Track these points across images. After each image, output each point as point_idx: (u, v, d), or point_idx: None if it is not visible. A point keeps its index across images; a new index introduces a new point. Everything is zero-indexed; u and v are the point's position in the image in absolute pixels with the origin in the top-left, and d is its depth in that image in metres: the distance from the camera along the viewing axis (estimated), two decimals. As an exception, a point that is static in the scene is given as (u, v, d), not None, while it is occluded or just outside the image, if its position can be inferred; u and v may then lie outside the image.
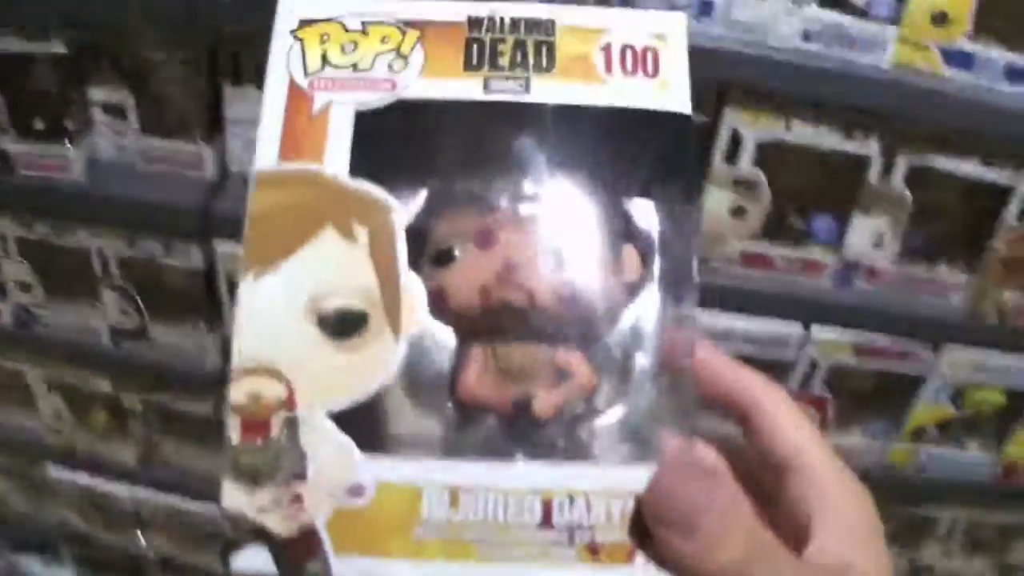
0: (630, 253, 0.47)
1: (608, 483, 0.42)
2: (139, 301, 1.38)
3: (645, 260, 0.47)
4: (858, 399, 1.38)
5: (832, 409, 1.36)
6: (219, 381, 1.34)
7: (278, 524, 0.41)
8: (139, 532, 1.76)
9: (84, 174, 1.28)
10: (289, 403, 0.42)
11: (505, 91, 0.47)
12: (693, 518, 0.39)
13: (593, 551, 0.42)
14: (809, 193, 1.22)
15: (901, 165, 1.16)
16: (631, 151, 0.47)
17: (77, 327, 1.44)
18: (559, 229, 0.46)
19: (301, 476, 0.42)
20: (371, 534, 0.42)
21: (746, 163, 1.17)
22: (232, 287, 1.26)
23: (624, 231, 0.47)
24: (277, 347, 0.43)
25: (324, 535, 0.41)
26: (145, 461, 1.63)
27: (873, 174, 1.17)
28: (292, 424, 0.42)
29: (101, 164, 1.29)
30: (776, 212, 1.22)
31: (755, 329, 1.28)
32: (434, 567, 0.41)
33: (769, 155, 1.17)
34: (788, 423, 0.46)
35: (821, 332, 1.30)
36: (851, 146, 1.15)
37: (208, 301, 1.36)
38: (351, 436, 0.42)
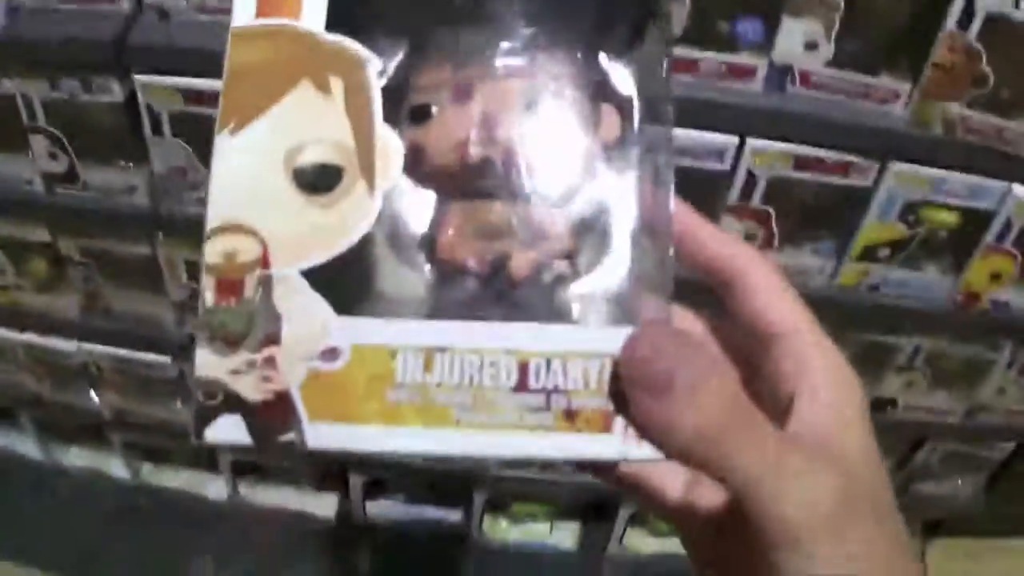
0: (608, 112, 0.45)
1: (585, 345, 0.41)
2: (65, 142, 1.36)
3: (622, 120, 0.45)
4: (803, 215, 1.34)
5: (776, 225, 1.33)
6: (152, 219, 1.33)
7: (252, 389, 0.40)
8: (90, 389, 1.76)
9: (4, 19, 1.27)
10: (264, 261, 0.41)
11: None
12: (668, 377, 0.38)
13: (570, 417, 0.40)
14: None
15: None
16: (609, 7, 0.46)
17: (10, 176, 1.44)
18: (537, 84, 0.45)
19: (275, 339, 0.41)
20: (346, 399, 0.41)
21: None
22: (154, 119, 1.27)
23: (602, 89, 0.45)
24: (252, 204, 0.42)
25: (298, 401, 0.40)
26: (88, 310, 1.64)
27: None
28: (267, 283, 0.41)
29: (23, 8, 1.28)
30: (700, 16, 1.17)
31: (689, 140, 1.25)
32: (410, 432, 0.40)
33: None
34: (774, 294, 0.44)
35: (757, 143, 1.26)
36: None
37: (132, 137, 1.35)
38: (325, 296, 0.42)
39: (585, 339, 0.41)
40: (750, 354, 0.45)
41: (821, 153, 1.25)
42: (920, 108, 1.19)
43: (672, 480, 0.47)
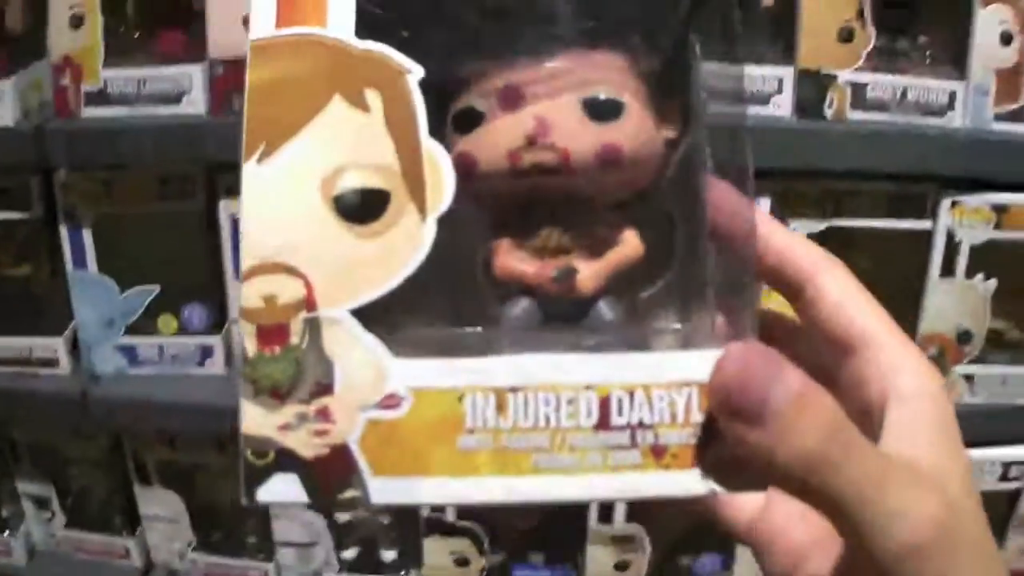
0: (670, 107, 0.43)
1: (669, 374, 0.37)
2: None
3: (686, 115, 0.43)
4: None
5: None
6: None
7: (305, 445, 0.37)
8: None
9: (24, 559, 1.44)
10: (308, 303, 0.38)
11: None
12: (762, 403, 0.35)
13: (658, 453, 0.37)
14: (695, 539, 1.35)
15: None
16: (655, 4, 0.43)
17: None
18: (591, 82, 0.41)
19: (327, 388, 0.37)
20: (411, 450, 0.37)
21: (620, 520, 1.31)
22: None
23: (663, 84, 0.43)
24: (290, 239, 0.38)
25: (358, 454, 0.37)
26: None
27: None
28: (314, 326, 0.37)
29: (38, 552, 1.47)
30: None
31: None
32: (484, 482, 0.37)
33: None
34: (852, 300, 0.42)
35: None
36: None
37: None
38: (380, 337, 0.37)
39: (669, 367, 0.38)
40: (824, 364, 0.42)
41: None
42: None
43: (744, 503, 0.45)
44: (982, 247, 1.17)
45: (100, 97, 1.12)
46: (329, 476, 0.37)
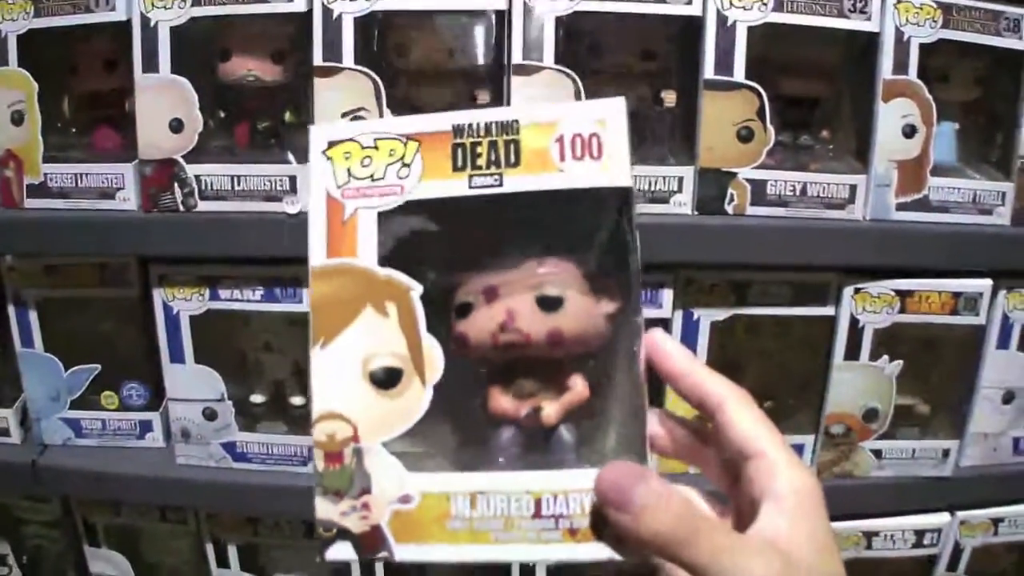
0: (609, 287, 0.61)
1: (578, 483, 0.57)
2: None
3: (621, 293, 0.61)
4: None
5: None
6: None
7: (355, 524, 0.59)
8: None
9: None
10: (355, 438, 0.59)
11: (484, 186, 0.61)
12: (627, 498, 0.53)
13: (572, 533, 0.57)
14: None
15: None
16: (589, 219, 0.61)
17: None
18: (542, 283, 0.61)
19: (368, 490, 0.59)
20: (418, 528, 0.59)
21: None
22: None
23: (600, 272, 0.61)
24: (342, 398, 0.60)
25: (387, 530, 0.59)
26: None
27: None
28: (359, 453, 0.59)
29: None
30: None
31: None
32: (463, 549, 0.58)
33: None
34: (748, 420, 0.57)
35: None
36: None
37: None
38: (400, 460, 0.59)
39: (578, 479, 0.57)
40: (732, 463, 0.58)
41: None
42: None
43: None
44: (887, 329, 1.26)
45: (41, 190, 1.22)
46: (370, 543, 0.59)
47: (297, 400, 1.37)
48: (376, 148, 0.63)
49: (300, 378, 1.37)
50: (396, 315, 0.61)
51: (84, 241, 1.24)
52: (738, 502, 0.58)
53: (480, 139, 0.62)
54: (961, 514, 1.41)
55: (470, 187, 0.61)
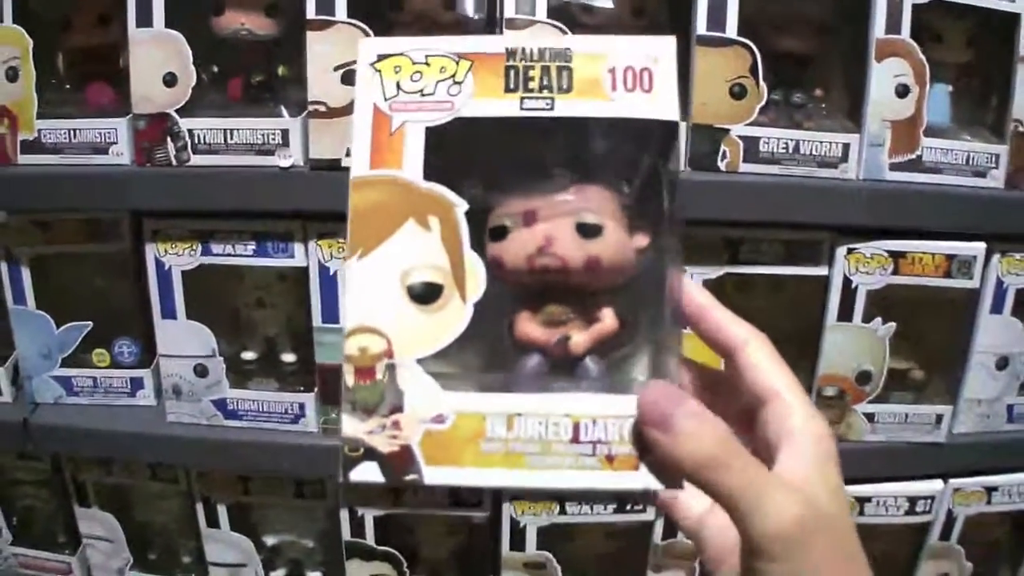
0: (642, 224, 0.62)
1: (619, 409, 0.56)
2: None
3: (653, 230, 0.62)
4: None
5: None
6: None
7: (383, 444, 0.57)
8: None
9: None
10: (388, 353, 0.58)
11: (536, 108, 0.62)
12: (668, 416, 0.53)
13: (610, 460, 0.56)
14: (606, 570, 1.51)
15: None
16: (633, 151, 0.62)
17: None
18: (582, 210, 0.61)
19: (399, 408, 0.58)
20: (451, 450, 0.57)
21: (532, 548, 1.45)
22: None
23: (632, 211, 0.62)
24: (377, 312, 0.59)
25: (417, 451, 0.57)
26: None
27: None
28: (391, 369, 0.58)
29: None
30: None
31: None
32: (496, 473, 0.57)
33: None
34: (768, 363, 0.58)
35: None
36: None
37: None
38: (435, 378, 0.58)
39: (620, 404, 0.56)
40: (748, 408, 0.59)
41: None
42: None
43: (690, 507, 0.65)
44: (880, 291, 1.28)
45: (35, 145, 1.25)
46: (398, 465, 0.57)
47: (289, 357, 1.39)
48: (427, 64, 0.63)
49: (292, 335, 1.39)
50: (439, 230, 0.61)
51: (77, 196, 1.27)
52: (754, 446, 0.57)
53: (533, 63, 0.63)
54: (954, 482, 1.42)
55: (521, 108, 0.62)
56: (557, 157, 0.63)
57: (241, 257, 1.28)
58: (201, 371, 1.34)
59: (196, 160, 1.22)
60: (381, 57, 0.64)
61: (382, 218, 0.61)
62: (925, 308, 1.35)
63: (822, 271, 1.29)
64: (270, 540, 1.54)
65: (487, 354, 0.62)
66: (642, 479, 0.56)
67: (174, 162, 1.22)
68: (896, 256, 1.27)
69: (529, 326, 0.61)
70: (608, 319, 0.61)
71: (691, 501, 0.65)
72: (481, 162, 0.63)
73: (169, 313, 1.32)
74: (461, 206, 0.61)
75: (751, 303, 1.34)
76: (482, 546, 1.49)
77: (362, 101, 0.63)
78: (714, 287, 1.27)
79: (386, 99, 0.63)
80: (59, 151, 1.25)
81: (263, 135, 1.21)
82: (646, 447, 0.55)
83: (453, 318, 0.59)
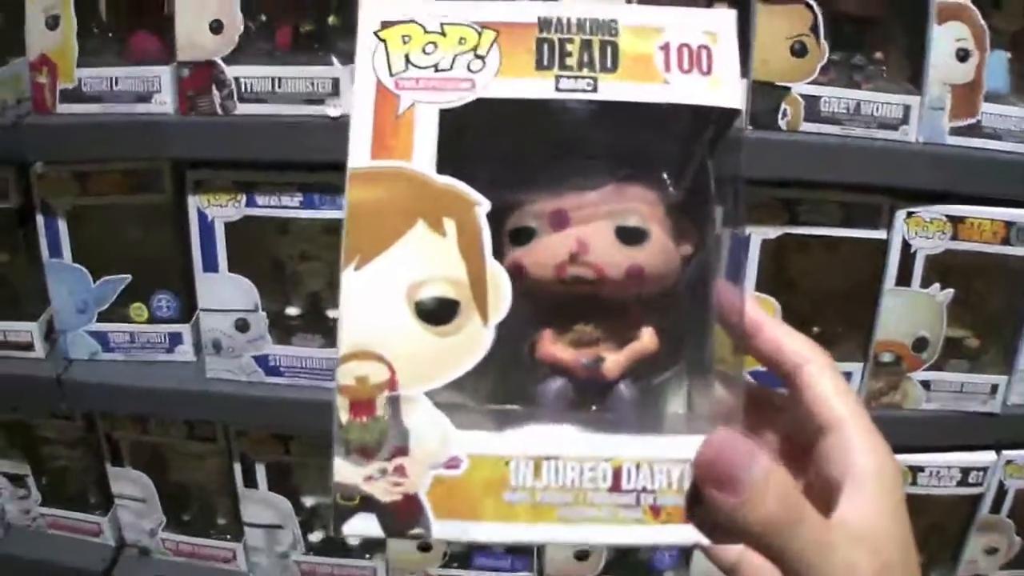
0: (688, 228, 0.56)
1: (668, 452, 0.50)
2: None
3: (700, 235, 0.56)
4: None
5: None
6: None
7: (384, 493, 0.49)
8: None
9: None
10: (391, 384, 0.49)
11: (574, 90, 0.53)
12: (736, 477, 0.47)
13: (655, 512, 0.50)
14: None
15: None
16: (687, 141, 0.56)
17: None
18: (623, 212, 0.54)
19: (404, 450, 0.49)
20: (466, 500, 0.49)
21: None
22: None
23: (683, 210, 0.56)
24: (379, 333, 0.50)
25: (425, 501, 0.49)
26: None
27: None
28: (395, 403, 0.49)
29: (13, 528, 1.64)
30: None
31: None
32: (521, 528, 0.49)
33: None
34: (831, 388, 0.53)
35: None
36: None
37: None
38: (446, 413, 0.50)
39: (668, 447, 0.50)
40: (805, 436, 0.54)
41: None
42: None
43: (727, 548, 0.59)
44: (939, 257, 1.28)
45: (75, 94, 1.24)
46: (401, 517, 0.49)
47: (334, 313, 1.37)
48: (443, 34, 0.54)
49: (338, 290, 1.37)
50: (455, 235, 0.52)
51: (118, 146, 1.27)
52: (808, 480, 0.54)
53: (571, 36, 0.54)
54: (1007, 453, 1.42)
55: (556, 89, 0.53)
56: (597, 149, 0.56)
57: (287, 209, 1.28)
58: (242, 326, 1.33)
59: (242, 109, 1.22)
60: (386, 24, 0.55)
61: (386, 218, 0.52)
62: (982, 276, 1.35)
63: (881, 235, 1.28)
64: (309, 501, 1.54)
65: (502, 380, 0.54)
66: (692, 535, 0.50)
67: (219, 111, 1.22)
68: (955, 221, 1.26)
69: (555, 346, 0.55)
70: (647, 338, 0.55)
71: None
72: (504, 152, 0.54)
73: (211, 266, 1.31)
74: (483, 206, 0.52)
75: (809, 266, 1.34)
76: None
77: (363, 77, 0.54)
78: (772, 248, 1.28)
79: (392, 75, 0.54)
80: (100, 100, 1.25)
81: (312, 84, 1.20)
82: (699, 499, 0.49)
83: (471, 342, 0.51)
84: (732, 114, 0.54)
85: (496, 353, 0.51)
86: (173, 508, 1.56)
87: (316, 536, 1.54)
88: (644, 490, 0.50)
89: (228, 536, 1.56)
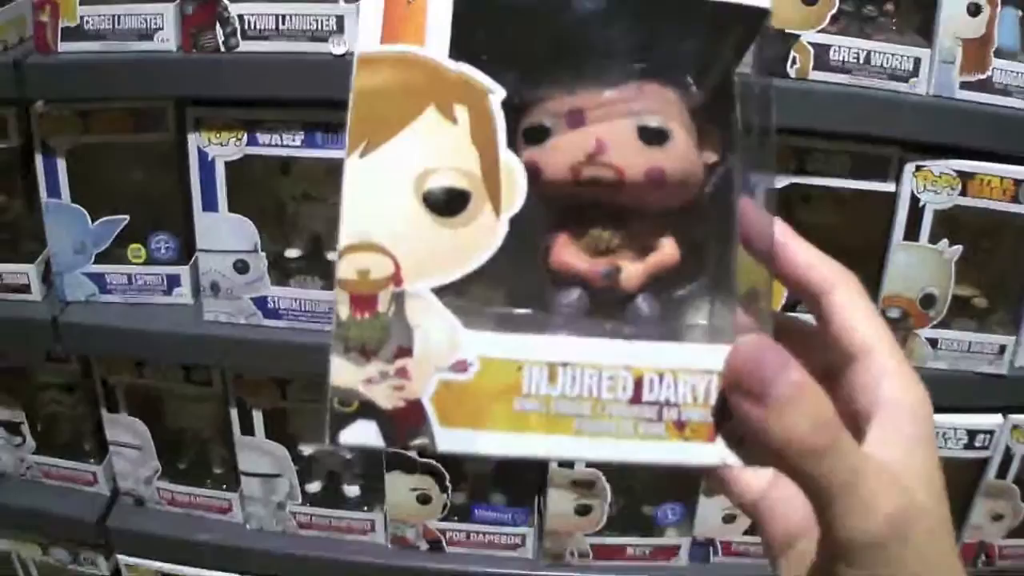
0: (711, 134, 0.52)
1: (694, 362, 0.47)
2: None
3: (725, 142, 0.52)
4: None
5: None
6: None
7: (385, 397, 0.45)
8: None
9: None
10: (396, 279, 0.46)
11: None
12: (765, 385, 0.44)
13: (679, 427, 0.46)
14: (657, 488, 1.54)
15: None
16: (713, 41, 0.52)
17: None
18: (644, 111, 0.50)
19: (408, 351, 0.46)
20: (475, 407, 0.46)
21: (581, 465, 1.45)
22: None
23: (706, 114, 0.52)
24: (383, 224, 0.47)
25: (429, 408, 0.46)
26: None
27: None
28: (399, 299, 0.46)
29: (7, 476, 1.64)
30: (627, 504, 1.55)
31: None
32: (533, 439, 0.46)
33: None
34: (860, 314, 0.50)
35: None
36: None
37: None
38: (455, 312, 0.46)
39: (694, 356, 0.47)
40: (832, 365, 0.51)
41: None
42: None
43: (749, 482, 0.55)
44: (947, 212, 1.28)
45: (76, 32, 1.24)
46: (403, 425, 0.46)
47: (335, 255, 1.37)
48: None
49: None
50: (467, 123, 0.49)
51: (120, 84, 1.27)
52: (834, 401, 0.49)
53: None
54: (1014, 417, 1.42)
55: None
56: (619, 43, 0.52)
57: (288, 148, 1.28)
58: (242, 267, 1.34)
59: (245, 46, 1.22)
60: None
61: (394, 104, 0.48)
62: (991, 234, 1.36)
63: (889, 187, 1.29)
64: (307, 450, 1.54)
65: (514, 286, 0.51)
66: (718, 453, 0.47)
67: (222, 48, 1.22)
68: (964, 177, 1.27)
69: (569, 253, 0.51)
70: (668, 249, 0.51)
71: (751, 474, 0.56)
72: (523, 44, 0.51)
73: (210, 206, 1.31)
74: (497, 93, 0.49)
75: (817, 219, 1.34)
76: (529, 462, 1.47)
77: None
78: (781, 200, 1.27)
79: None
80: (102, 37, 1.25)
81: (316, 21, 1.20)
82: (727, 414, 0.46)
83: (482, 236, 0.48)
84: (761, 15, 0.50)
85: (508, 250, 0.48)
86: (169, 456, 1.56)
87: (313, 487, 1.55)
88: (667, 403, 0.47)
89: (224, 486, 1.56)
